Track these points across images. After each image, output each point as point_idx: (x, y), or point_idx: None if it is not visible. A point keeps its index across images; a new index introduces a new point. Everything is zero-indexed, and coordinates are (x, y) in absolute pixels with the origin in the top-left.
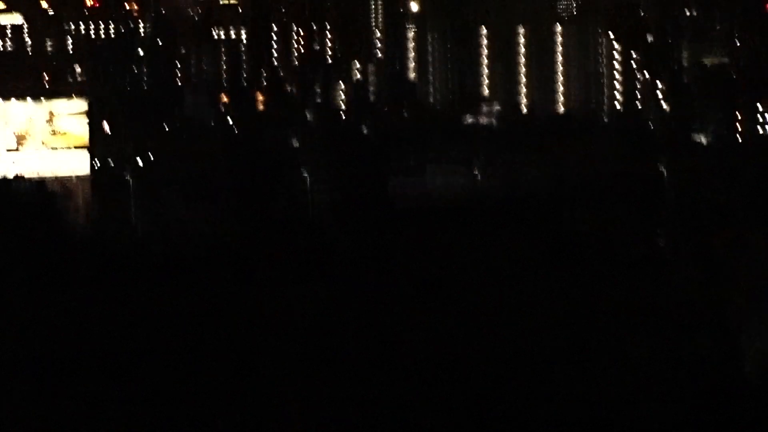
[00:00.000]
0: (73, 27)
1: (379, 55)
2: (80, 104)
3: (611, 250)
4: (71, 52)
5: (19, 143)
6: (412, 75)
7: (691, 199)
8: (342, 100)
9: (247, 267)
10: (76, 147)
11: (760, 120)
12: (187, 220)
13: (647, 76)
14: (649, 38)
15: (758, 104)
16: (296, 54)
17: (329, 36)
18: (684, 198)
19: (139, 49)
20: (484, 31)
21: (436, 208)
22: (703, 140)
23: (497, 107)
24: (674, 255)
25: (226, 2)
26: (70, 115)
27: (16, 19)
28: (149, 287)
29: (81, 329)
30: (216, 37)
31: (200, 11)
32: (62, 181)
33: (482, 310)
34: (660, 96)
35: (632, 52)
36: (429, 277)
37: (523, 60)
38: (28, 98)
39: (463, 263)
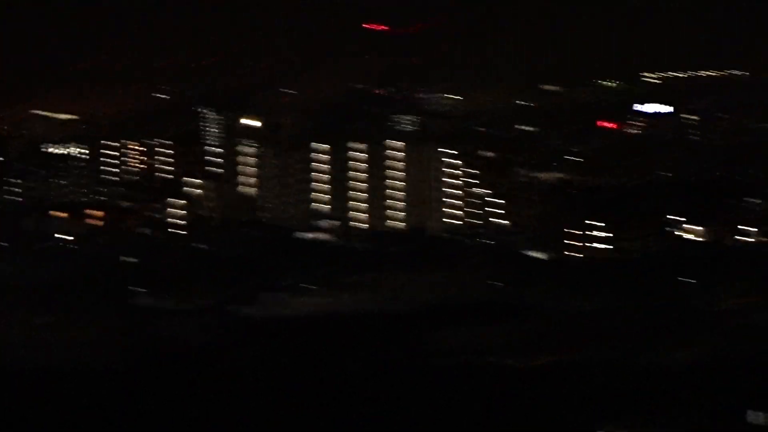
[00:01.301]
0: None
1: (217, 170)
2: None
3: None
4: None
5: None
6: (251, 191)
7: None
8: (179, 217)
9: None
10: None
11: (597, 235)
12: (29, 342)
13: (483, 191)
14: (487, 154)
15: (594, 220)
16: (132, 170)
17: (165, 152)
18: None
19: None
20: (320, 147)
21: (280, 328)
22: (541, 256)
23: (335, 223)
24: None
25: (63, 118)
26: None
27: None
28: None
29: None
30: (50, 153)
31: (34, 127)
32: None
33: None
34: (496, 211)
35: (468, 168)
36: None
37: (358, 176)
38: None
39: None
